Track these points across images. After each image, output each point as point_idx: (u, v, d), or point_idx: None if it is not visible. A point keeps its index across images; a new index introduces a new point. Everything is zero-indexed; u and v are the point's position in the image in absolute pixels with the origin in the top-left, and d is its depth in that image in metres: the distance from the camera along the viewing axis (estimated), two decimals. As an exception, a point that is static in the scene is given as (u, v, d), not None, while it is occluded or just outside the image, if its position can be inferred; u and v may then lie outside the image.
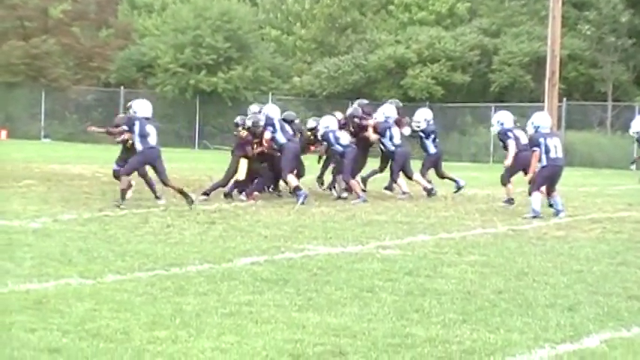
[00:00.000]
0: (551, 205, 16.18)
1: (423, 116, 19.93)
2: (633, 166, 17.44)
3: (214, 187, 18.27)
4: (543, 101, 35.69)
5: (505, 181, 17.70)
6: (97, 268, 9.54)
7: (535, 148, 15.77)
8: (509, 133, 17.36)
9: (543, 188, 15.88)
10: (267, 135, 17.84)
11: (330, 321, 7.48)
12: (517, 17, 51.66)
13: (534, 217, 15.36)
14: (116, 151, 17.91)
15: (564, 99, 40.85)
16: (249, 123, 18.15)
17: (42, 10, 54.36)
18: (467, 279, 9.52)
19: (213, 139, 48.67)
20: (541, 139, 15.70)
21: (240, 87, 49.05)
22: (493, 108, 43.48)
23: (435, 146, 19.63)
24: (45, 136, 49.26)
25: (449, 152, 43.23)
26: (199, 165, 29.53)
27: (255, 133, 17.84)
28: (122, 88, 50.31)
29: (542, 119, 16.27)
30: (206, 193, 17.91)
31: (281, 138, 17.97)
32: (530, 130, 16.16)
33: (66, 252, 10.50)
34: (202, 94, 48.93)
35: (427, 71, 48.11)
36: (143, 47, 53.04)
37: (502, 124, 17.52)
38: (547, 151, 15.65)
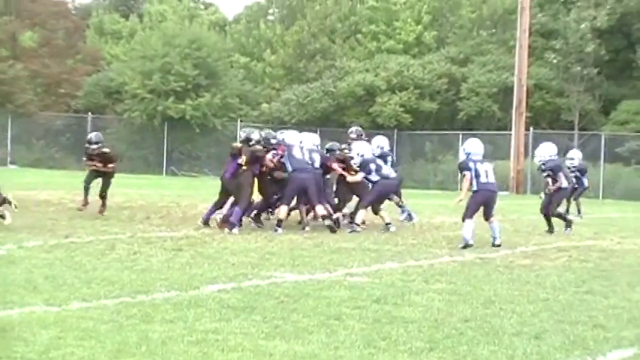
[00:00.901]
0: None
1: (377, 143, 19.73)
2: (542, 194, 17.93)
3: (261, 210, 18.18)
4: (510, 129, 35.99)
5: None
6: (62, 295, 9.45)
7: (465, 172, 15.69)
8: (470, 164, 16.04)
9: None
10: (269, 156, 17.59)
11: (297, 349, 7.44)
12: (485, 46, 52.12)
13: (465, 246, 15.13)
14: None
15: (531, 127, 41.15)
16: (257, 136, 17.68)
17: (10, 36, 54.19)
18: (434, 307, 9.52)
19: (181, 166, 48.63)
20: (471, 164, 15.62)
21: (208, 114, 49.07)
22: (461, 136, 43.80)
23: (395, 171, 19.45)
24: (11, 162, 48.98)
25: (416, 180, 43.50)
26: (167, 191, 29.41)
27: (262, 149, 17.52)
28: (90, 114, 50.18)
29: (474, 146, 15.99)
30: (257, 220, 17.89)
31: (289, 166, 17.56)
32: (462, 157, 16.07)
33: (31, 279, 10.40)
34: (170, 120, 48.90)
35: (395, 99, 48.40)
36: (111, 73, 53.02)
37: (468, 153, 16.82)
38: (477, 176, 15.48)
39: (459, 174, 16.00)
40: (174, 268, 11.74)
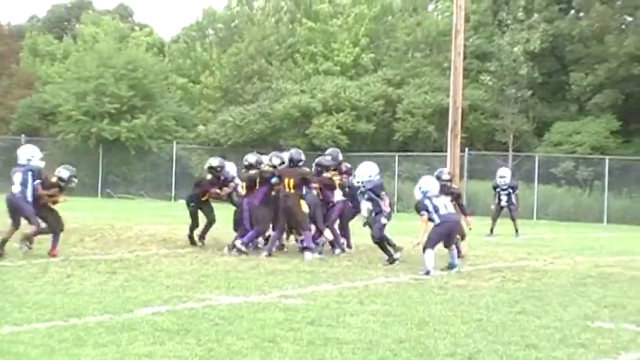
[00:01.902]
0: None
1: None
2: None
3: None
4: (446, 151, 36.27)
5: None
6: (-8, 319, 9.33)
7: (423, 213, 15.52)
8: (427, 202, 15.56)
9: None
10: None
11: (230, 372, 7.43)
12: (420, 68, 52.51)
13: (426, 273, 14.95)
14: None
15: (466, 149, 41.49)
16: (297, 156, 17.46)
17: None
18: (369, 328, 9.54)
19: (116, 188, 48.25)
20: (427, 202, 15.40)
21: (143, 135, 48.77)
22: (397, 157, 44.03)
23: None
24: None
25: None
26: (102, 214, 29.16)
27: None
28: (23, 135, 49.58)
29: (430, 184, 15.81)
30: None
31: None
32: (418, 196, 15.80)
33: (-39, 303, 10.26)
34: (105, 142, 48.50)
35: (332, 120, 48.52)
36: (45, 95, 52.51)
37: (424, 192, 15.82)
38: (436, 210, 15.28)
39: (417, 213, 15.60)
40: (108, 291, 11.65)
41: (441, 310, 11.01)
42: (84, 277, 13.00)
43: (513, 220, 26.05)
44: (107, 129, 48.19)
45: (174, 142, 48.92)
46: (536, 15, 47.91)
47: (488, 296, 12.36)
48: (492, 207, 26.95)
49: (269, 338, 8.81)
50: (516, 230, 25.77)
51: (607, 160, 41.65)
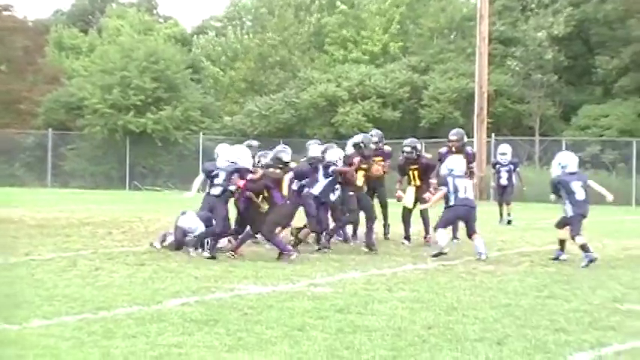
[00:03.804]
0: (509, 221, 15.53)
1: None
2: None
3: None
4: (472, 137, 36.13)
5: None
6: (22, 313, 9.38)
7: (442, 187, 15.48)
8: (449, 179, 15.43)
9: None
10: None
11: (260, 361, 7.46)
12: (445, 54, 52.38)
13: (438, 254, 14.89)
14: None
15: (492, 134, 41.37)
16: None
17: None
18: (397, 315, 9.54)
19: (144, 180, 48.43)
20: (449, 179, 15.34)
21: (169, 127, 48.91)
22: (424, 144, 43.92)
23: None
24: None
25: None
26: (130, 206, 29.28)
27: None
28: (50, 130, 49.89)
29: (456, 163, 15.85)
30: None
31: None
32: (444, 171, 15.84)
33: (-9, 297, 10.33)
34: (132, 134, 48.67)
35: (358, 108, 48.52)
36: (71, 88, 52.73)
37: (450, 169, 15.67)
38: (456, 191, 15.25)
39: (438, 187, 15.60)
40: (137, 283, 11.69)
41: (469, 295, 11.00)
42: (112, 270, 13.06)
43: (507, 203, 24.59)
44: (133, 121, 48.36)
45: (201, 133, 49.02)
46: (561, -1, 47.74)
47: (517, 281, 12.34)
48: (492, 188, 25.73)
49: (298, 327, 8.83)
50: (501, 215, 24.24)
51: (634, 143, 41.38)
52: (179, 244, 15.65)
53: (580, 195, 15.17)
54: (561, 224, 15.21)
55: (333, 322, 9.08)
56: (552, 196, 15.85)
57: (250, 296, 10.71)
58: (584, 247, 14.59)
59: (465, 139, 18.88)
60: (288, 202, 15.02)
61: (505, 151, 25.70)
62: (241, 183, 15.02)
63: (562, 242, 15.25)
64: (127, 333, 8.46)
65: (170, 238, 15.94)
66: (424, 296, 10.87)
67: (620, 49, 46.17)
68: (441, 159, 17.37)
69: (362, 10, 57.75)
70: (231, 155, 15.53)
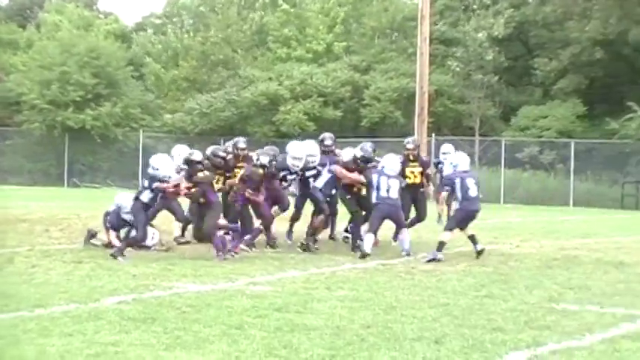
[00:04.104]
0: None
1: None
2: None
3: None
4: (413, 136, 36.31)
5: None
6: (-43, 310, 9.26)
7: (447, 189, 16.05)
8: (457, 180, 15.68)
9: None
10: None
11: (197, 359, 7.41)
12: (387, 54, 52.58)
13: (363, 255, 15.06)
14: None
15: (433, 134, 41.55)
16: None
17: None
18: (336, 314, 9.55)
19: (82, 177, 47.99)
20: (374, 175, 15.68)
21: (109, 124, 48.51)
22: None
23: None
24: None
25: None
26: (68, 203, 28.99)
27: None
28: (-12, 125, 49.28)
29: (390, 162, 15.88)
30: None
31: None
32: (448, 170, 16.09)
33: None
34: (70, 131, 48.15)
35: (299, 107, 48.49)
36: (9, 84, 52.09)
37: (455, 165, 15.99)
38: (378, 189, 15.50)
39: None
40: (74, 281, 11.59)
41: (408, 294, 11.05)
42: (49, 267, 12.94)
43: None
44: (72, 117, 47.84)
45: (141, 131, 48.70)
46: (501, 0, 48.15)
47: (455, 280, 12.42)
48: (431, 190, 25.52)
49: (236, 325, 8.80)
50: (440, 215, 23.33)
51: (572, 144, 41.90)
52: (113, 227, 15.56)
53: (473, 192, 15.47)
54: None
55: (272, 321, 9.06)
56: (444, 193, 16.09)
57: (189, 294, 10.67)
58: (441, 244, 15.05)
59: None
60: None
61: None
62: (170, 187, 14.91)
63: (472, 237, 15.58)
64: (63, 331, 8.38)
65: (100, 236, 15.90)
66: (363, 295, 10.90)
67: (559, 51, 46.72)
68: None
69: (304, 9, 57.73)
70: (155, 162, 15.22)
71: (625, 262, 15.28)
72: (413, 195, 17.29)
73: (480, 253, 15.33)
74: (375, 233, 15.49)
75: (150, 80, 58.34)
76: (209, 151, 16.89)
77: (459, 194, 15.50)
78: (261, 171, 15.57)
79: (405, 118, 45.54)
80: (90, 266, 13.14)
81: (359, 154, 16.52)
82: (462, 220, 15.55)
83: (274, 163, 16.00)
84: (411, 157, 17.55)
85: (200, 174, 14.96)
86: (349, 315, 9.51)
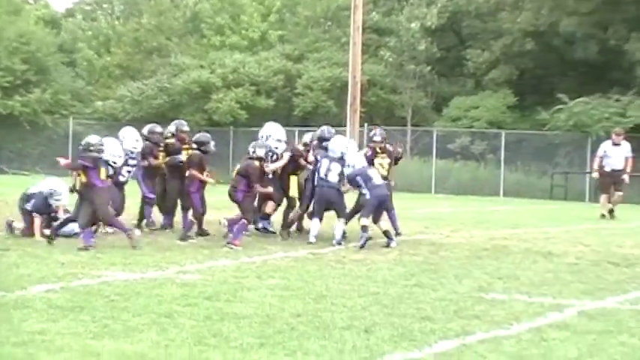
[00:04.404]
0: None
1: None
2: None
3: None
4: (345, 125, 36.41)
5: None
6: None
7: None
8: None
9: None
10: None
11: (125, 348, 7.35)
12: (320, 43, 52.58)
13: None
14: None
15: (365, 124, 41.66)
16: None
17: None
18: (266, 303, 9.53)
19: (11, 164, 47.33)
20: (324, 159, 16.02)
21: (38, 110, 47.92)
22: (297, 132, 44.03)
23: None
24: None
25: (253, 176, 43.52)
26: (-4, 190, 28.57)
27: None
28: None
29: (334, 144, 16.32)
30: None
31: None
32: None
33: None
34: (-1, 117, 47.51)
35: (231, 95, 48.28)
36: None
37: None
38: (319, 171, 15.92)
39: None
40: (0, 269, 11.43)
41: (338, 283, 11.07)
42: (-25, 255, 12.76)
43: None
44: (0, 104, 47.20)
45: (70, 118, 48.17)
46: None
47: (386, 270, 12.47)
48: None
49: (166, 314, 8.75)
50: None
51: (503, 134, 42.31)
52: (37, 211, 15.41)
53: (377, 180, 15.70)
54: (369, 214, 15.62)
55: (202, 310, 9.03)
56: (344, 188, 16.09)
57: (118, 283, 10.59)
58: (364, 228, 15.18)
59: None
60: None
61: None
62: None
63: (386, 232, 15.73)
64: (-11, 319, 8.27)
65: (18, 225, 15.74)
66: (294, 284, 10.89)
67: (491, 41, 47.04)
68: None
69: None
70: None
71: (553, 252, 15.45)
72: None
73: (387, 246, 15.39)
74: (320, 218, 15.76)
75: (82, 66, 57.71)
76: (146, 129, 17.07)
77: (364, 189, 15.66)
78: (257, 163, 15.55)
79: (337, 108, 45.60)
80: (17, 254, 12.98)
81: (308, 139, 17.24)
82: (376, 206, 15.62)
83: (270, 154, 16.11)
84: (379, 150, 17.54)
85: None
86: (279, 304, 9.50)
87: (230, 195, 15.51)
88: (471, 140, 43.63)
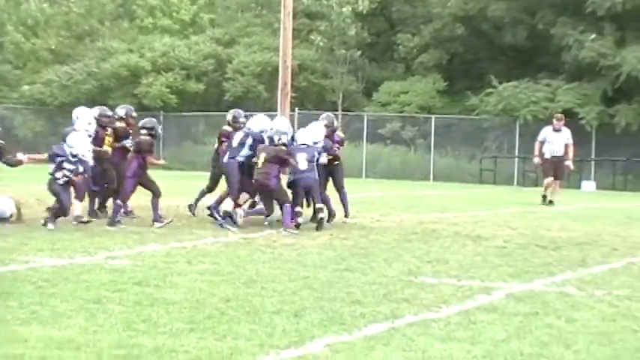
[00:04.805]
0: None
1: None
2: None
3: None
4: (276, 110, 36.39)
5: None
6: None
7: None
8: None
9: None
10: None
11: (53, 334, 7.27)
12: (251, 28, 52.43)
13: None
14: None
15: (296, 108, 41.70)
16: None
17: None
18: (196, 288, 9.51)
19: None
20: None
21: (-38, 94, 47.22)
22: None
23: None
24: None
25: (183, 161, 43.36)
26: None
27: None
28: None
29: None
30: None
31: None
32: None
33: None
34: None
35: (161, 80, 48.00)
36: None
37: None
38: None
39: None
40: None
41: (268, 268, 11.08)
42: None
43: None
44: None
45: (-3, 102, 47.57)
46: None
47: (316, 254, 12.50)
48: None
49: (94, 300, 8.69)
50: None
51: (433, 119, 42.62)
52: None
53: (302, 165, 15.90)
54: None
55: (131, 295, 8.97)
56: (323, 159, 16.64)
57: (45, 269, 10.48)
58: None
59: (335, 124, 18.74)
60: None
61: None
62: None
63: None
64: None
65: None
66: (224, 269, 10.88)
67: (421, 26, 47.27)
68: None
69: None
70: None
71: (482, 235, 15.62)
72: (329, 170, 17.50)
73: (319, 224, 15.76)
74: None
75: (9, 50, 56.85)
76: (96, 112, 16.88)
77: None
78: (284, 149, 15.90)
79: (268, 93, 45.51)
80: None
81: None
82: (299, 191, 15.95)
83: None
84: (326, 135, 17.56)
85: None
86: (209, 289, 9.48)
87: (261, 184, 15.63)
88: (402, 125, 43.89)
